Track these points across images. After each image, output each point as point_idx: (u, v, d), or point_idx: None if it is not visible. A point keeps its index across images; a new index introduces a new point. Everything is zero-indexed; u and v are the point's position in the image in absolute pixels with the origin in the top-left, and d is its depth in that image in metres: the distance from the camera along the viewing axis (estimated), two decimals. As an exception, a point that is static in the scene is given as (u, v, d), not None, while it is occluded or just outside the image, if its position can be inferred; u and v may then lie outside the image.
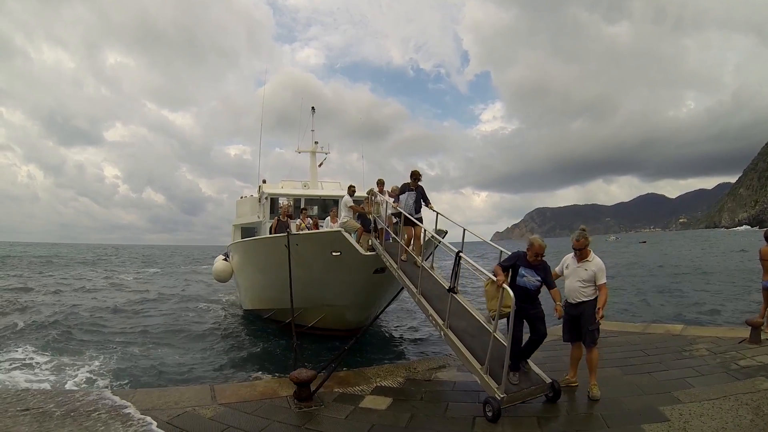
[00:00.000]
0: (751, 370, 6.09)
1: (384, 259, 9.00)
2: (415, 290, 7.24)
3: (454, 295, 6.48)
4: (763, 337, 7.42)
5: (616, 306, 15.77)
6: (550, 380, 5.43)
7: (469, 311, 6.93)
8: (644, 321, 11.59)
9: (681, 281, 25.30)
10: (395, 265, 8.26)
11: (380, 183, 10.94)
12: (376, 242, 9.74)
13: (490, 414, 4.92)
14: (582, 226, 5.79)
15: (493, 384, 5.10)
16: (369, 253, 9.67)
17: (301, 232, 10.94)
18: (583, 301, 5.54)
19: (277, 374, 8.78)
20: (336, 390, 6.07)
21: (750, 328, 7.51)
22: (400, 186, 10.28)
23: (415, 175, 9.62)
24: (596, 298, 5.49)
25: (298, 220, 12.66)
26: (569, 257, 5.75)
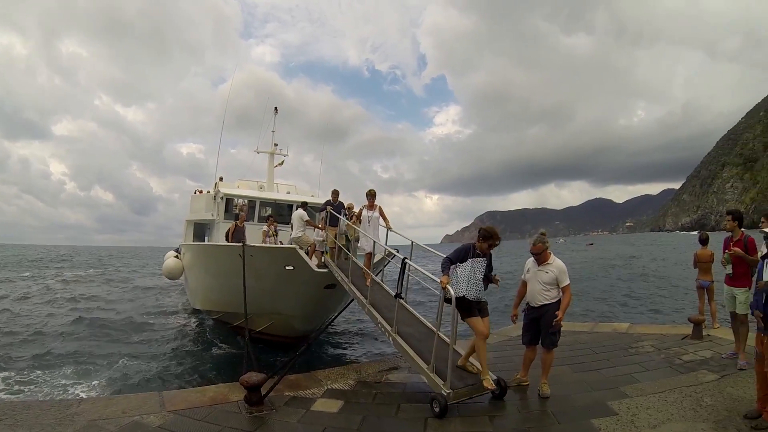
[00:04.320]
0: (694, 364, 6.72)
1: (336, 275, 9.56)
2: (365, 301, 7.82)
3: (401, 301, 6.94)
4: (704, 333, 8.20)
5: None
6: (495, 377, 5.79)
7: (415, 317, 7.67)
8: (592, 320, 12.38)
9: (626, 282, 27.46)
10: (347, 279, 8.85)
11: (370, 195, 10.21)
12: (329, 260, 10.35)
13: (437, 410, 5.28)
14: (542, 230, 6.11)
15: (439, 381, 5.53)
16: (321, 270, 10.15)
17: (256, 245, 11.31)
18: (545, 304, 5.84)
19: (227, 379, 8.90)
20: (287, 393, 6.21)
21: (692, 325, 8.30)
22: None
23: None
24: (558, 300, 5.80)
25: (265, 226, 13.25)
26: (530, 261, 6.03)
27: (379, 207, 9.93)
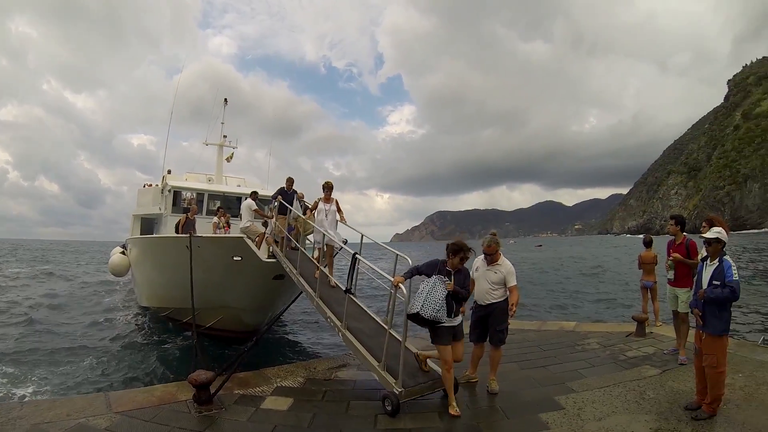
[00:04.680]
0: (637, 360, 7.08)
1: (284, 266, 9.44)
2: (313, 294, 7.77)
3: (351, 296, 6.90)
4: (647, 330, 8.62)
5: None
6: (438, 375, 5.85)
7: (366, 312, 7.63)
8: (540, 319, 12.71)
9: (573, 282, 28.66)
10: (295, 271, 8.73)
11: (327, 187, 9.61)
12: (277, 250, 10.17)
13: (389, 408, 5.29)
14: (492, 231, 6.24)
15: (390, 379, 5.52)
16: (270, 260, 10.08)
17: (204, 235, 11.18)
18: (492, 303, 5.98)
19: (175, 377, 8.77)
20: (237, 392, 6.13)
21: (636, 323, 8.74)
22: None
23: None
24: (506, 299, 5.96)
25: (215, 218, 13.14)
26: (479, 260, 6.16)
27: (336, 200, 9.66)
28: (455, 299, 5.45)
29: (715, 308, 4.85)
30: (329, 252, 9.22)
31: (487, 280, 5.98)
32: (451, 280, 5.48)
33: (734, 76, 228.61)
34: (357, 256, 6.86)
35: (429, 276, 5.50)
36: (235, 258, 10.14)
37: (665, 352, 7.37)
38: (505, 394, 5.85)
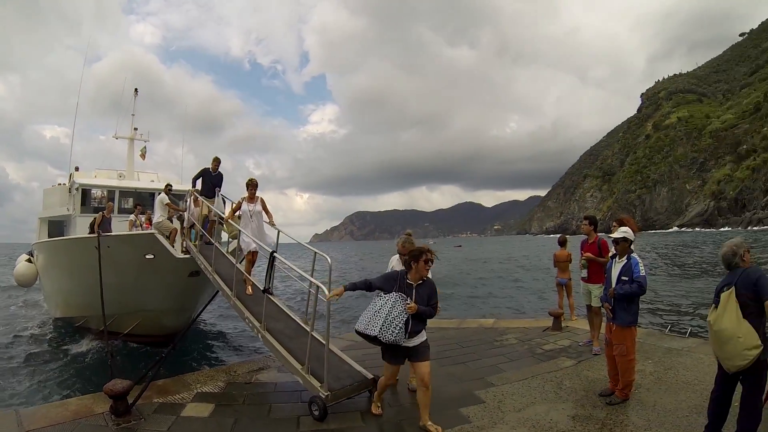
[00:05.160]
0: (554, 353, 7.48)
1: (199, 262, 9.09)
2: (230, 293, 7.49)
3: (270, 296, 6.82)
4: (563, 325, 9.09)
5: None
6: (372, 376, 5.86)
7: (285, 312, 7.48)
8: (459, 317, 13.08)
9: (492, 280, 29.92)
10: (210, 268, 8.40)
11: (252, 185, 8.89)
12: (191, 244, 9.85)
13: (316, 413, 5.20)
14: (408, 231, 6.34)
15: (315, 383, 5.44)
16: (184, 255, 9.76)
17: (112, 234, 10.70)
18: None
19: (91, 389, 8.24)
20: (156, 400, 5.91)
21: (552, 318, 9.22)
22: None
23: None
24: None
25: (132, 216, 12.57)
26: (395, 259, 6.20)
27: (261, 199, 8.88)
28: (419, 318, 4.82)
29: (624, 302, 5.26)
30: (252, 259, 8.64)
31: None
32: (412, 296, 4.83)
33: (647, 90, 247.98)
34: (275, 254, 6.72)
35: (387, 291, 4.88)
36: (147, 256, 9.76)
37: (580, 344, 7.84)
38: (425, 391, 5.95)
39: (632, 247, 5.53)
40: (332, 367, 5.67)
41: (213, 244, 9.00)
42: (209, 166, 10.62)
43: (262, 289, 7.01)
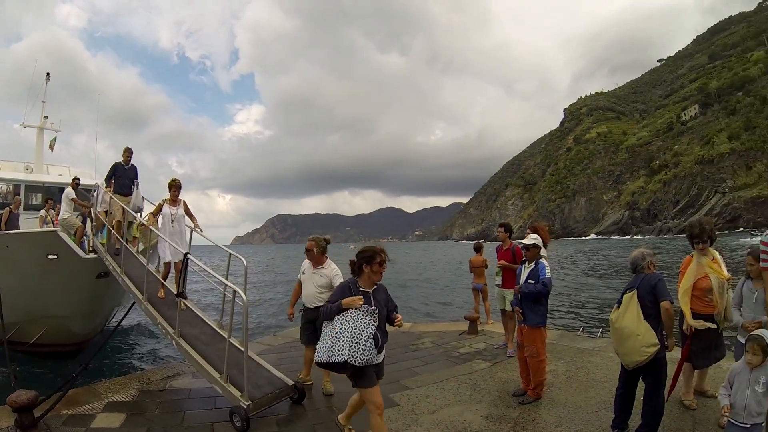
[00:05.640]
0: (469, 355, 7.74)
1: (107, 263, 8.61)
2: (141, 296, 7.18)
3: (183, 300, 6.67)
4: (479, 328, 9.41)
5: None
6: (293, 382, 5.83)
7: (200, 317, 7.26)
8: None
9: (410, 285, 30.48)
10: (119, 269, 8.00)
11: (175, 186, 8.22)
12: (98, 243, 9.36)
13: (238, 424, 5.04)
14: (315, 235, 6.38)
15: (236, 392, 5.32)
16: (90, 256, 9.22)
17: (10, 231, 10.11)
18: (320, 306, 5.92)
19: None
20: (64, 412, 5.61)
21: (468, 322, 9.52)
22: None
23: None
24: None
25: (42, 211, 11.91)
26: (306, 263, 6.32)
27: (184, 202, 8.30)
28: (383, 330, 4.24)
29: (531, 303, 5.58)
30: (167, 271, 8.00)
31: (314, 284, 6.16)
32: (371, 304, 4.20)
33: (570, 105, 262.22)
34: (189, 256, 6.51)
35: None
36: (50, 257, 9.15)
37: (495, 346, 8.15)
38: (341, 394, 5.91)
39: (542, 253, 5.85)
40: (251, 375, 5.58)
41: (123, 243, 8.21)
42: (120, 159, 10.07)
43: (175, 293, 6.82)
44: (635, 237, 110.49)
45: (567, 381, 6.18)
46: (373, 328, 4.06)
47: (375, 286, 4.35)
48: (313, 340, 6.13)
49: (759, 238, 4.06)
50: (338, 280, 5.95)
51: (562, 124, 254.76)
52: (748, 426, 3.41)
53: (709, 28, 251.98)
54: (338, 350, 3.98)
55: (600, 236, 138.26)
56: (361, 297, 4.14)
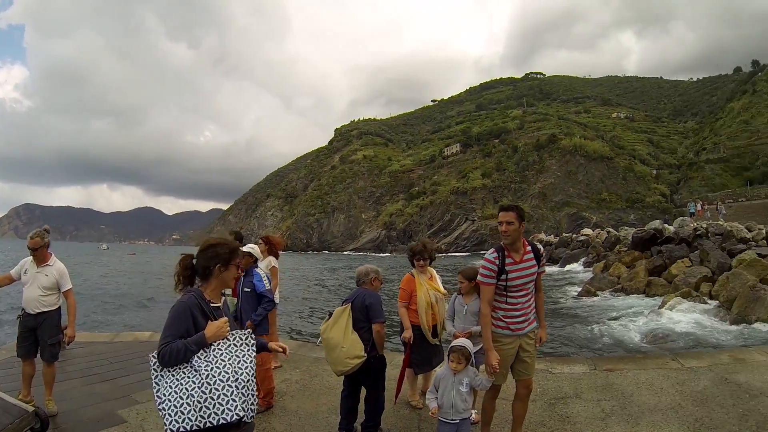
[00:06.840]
0: None
1: None
2: None
3: None
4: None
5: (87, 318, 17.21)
6: (32, 409, 4.94)
7: None
8: (114, 331, 12.48)
9: (150, 290, 29.70)
10: None
11: None
12: None
13: None
14: (45, 226, 5.93)
15: None
16: None
17: None
18: (43, 312, 5.57)
19: None
20: None
21: None
22: None
23: None
24: (58, 308, 5.68)
25: None
26: (28, 261, 5.69)
27: None
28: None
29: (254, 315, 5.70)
30: None
31: (38, 285, 5.56)
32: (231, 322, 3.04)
33: (342, 126, 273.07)
34: None
35: (183, 335, 2.83)
36: None
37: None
38: (65, 414, 5.56)
39: (258, 263, 6.18)
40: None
41: None
42: None
43: None
44: (390, 254, 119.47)
45: (300, 389, 6.45)
46: (252, 363, 2.91)
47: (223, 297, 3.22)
48: (32, 352, 5.63)
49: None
50: (67, 279, 5.59)
51: (330, 143, 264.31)
52: (457, 421, 4.08)
53: (481, 84, 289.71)
54: (220, 406, 2.68)
55: (356, 252, 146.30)
56: (225, 319, 2.94)
